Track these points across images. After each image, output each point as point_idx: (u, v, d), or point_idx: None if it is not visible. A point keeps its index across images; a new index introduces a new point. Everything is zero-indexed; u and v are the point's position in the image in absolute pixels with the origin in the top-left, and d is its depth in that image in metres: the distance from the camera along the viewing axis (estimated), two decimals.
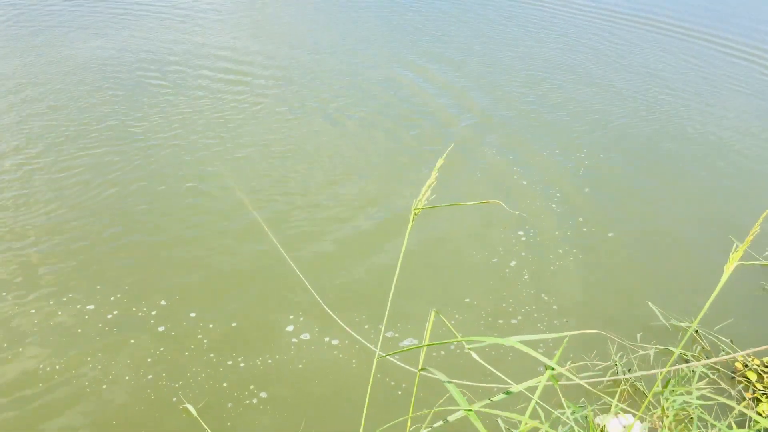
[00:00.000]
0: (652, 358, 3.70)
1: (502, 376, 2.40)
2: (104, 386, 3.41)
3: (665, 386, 2.90)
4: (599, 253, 4.77)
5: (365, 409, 1.64)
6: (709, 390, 3.39)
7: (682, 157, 6.44)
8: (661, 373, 1.86)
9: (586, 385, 1.69)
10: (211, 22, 10.27)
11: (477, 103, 7.52)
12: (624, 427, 2.87)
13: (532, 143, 6.51)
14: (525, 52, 9.52)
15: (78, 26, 9.68)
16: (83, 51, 8.56)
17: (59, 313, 3.90)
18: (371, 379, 1.64)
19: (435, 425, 1.67)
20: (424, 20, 11.01)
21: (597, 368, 3.61)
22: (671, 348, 3.73)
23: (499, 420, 3.10)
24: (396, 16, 11.15)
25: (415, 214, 1.39)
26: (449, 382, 1.54)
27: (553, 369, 1.52)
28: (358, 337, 3.66)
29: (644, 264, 4.71)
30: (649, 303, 4.11)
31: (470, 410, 1.37)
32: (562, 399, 1.94)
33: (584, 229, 5.02)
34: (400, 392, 3.47)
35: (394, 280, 1.58)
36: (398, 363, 3.57)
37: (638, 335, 3.86)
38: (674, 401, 2.82)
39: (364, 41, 9.65)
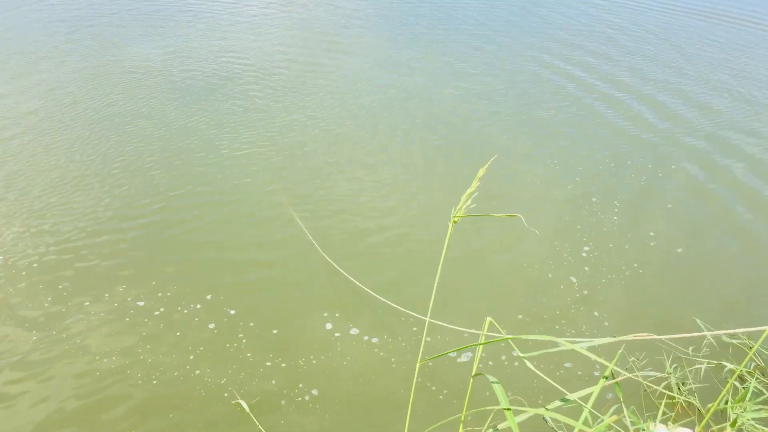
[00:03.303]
0: (703, 373, 3.57)
1: (556, 385, 2.36)
2: (155, 381, 3.51)
3: (738, 400, 2.80)
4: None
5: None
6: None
7: None
8: (728, 385, 1.80)
9: (647, 384, 1.63)
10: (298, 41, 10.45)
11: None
12: None
13: None
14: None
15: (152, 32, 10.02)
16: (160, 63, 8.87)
17: (115, 304, 4.04)
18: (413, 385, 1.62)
19: None
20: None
21: (649, 379, 3.51)
22: (724, 363, 3.60)
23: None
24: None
25: (454, 221, 1.46)
26: (496, 382, 1.52)
27: (611, 375, 1.49)
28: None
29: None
30: (697, 320, 3.94)
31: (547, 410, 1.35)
32: (623, 406, 1.89)
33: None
34: (441, 397, 3.45)
35: (435, 284, 1.57)
36: (441, 369, 3.55)
37: (690, 348, 3.74)
38: (746, 417, 2.72)
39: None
